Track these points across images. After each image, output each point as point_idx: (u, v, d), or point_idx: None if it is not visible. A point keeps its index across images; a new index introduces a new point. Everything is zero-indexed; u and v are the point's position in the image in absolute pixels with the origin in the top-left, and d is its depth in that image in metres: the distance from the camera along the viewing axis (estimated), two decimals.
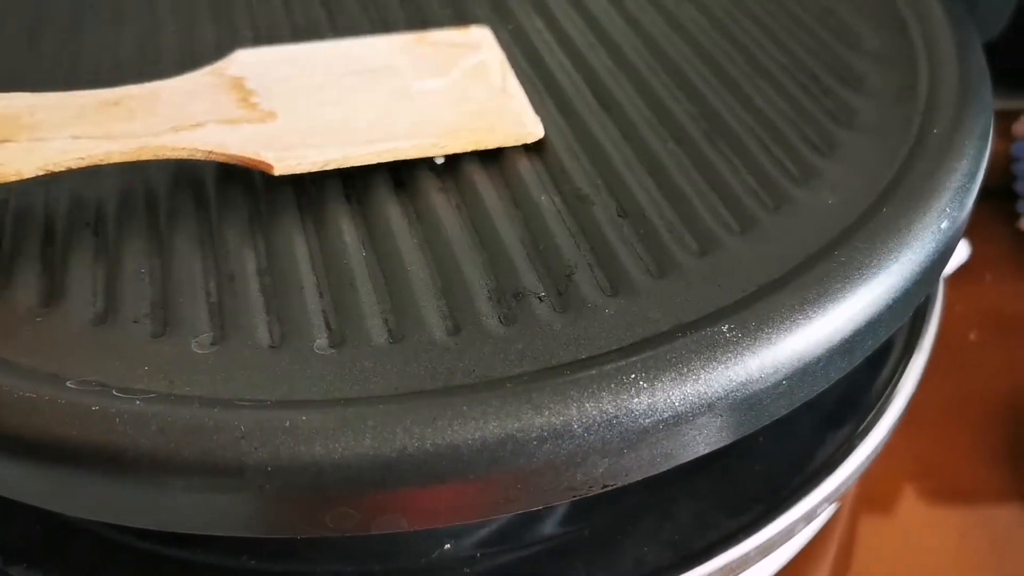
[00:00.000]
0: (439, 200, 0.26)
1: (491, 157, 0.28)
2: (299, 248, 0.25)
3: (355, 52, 0.30)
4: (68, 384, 0.21)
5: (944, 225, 0.25)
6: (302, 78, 0.28)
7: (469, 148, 0.27)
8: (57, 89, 0.26)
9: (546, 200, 0.26)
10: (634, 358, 0.21)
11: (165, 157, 0.25)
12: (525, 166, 0.27)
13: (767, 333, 0.22)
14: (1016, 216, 0.44)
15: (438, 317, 0.23)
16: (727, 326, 0.22)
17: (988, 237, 0.42)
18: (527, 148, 0.28)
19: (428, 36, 0.31)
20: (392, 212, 0.26)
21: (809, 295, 0.22)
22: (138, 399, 0.21)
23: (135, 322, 0.23)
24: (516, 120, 0.28)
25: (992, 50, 0.33)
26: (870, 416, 0.29)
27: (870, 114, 0.29)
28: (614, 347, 0.22)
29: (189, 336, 0.23)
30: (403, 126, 0.27)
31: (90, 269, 0.25)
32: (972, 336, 0.40)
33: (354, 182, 0.27)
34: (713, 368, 0.21)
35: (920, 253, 0.24)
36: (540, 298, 0.23)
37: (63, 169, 0.24)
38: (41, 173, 0.24)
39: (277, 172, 0.26)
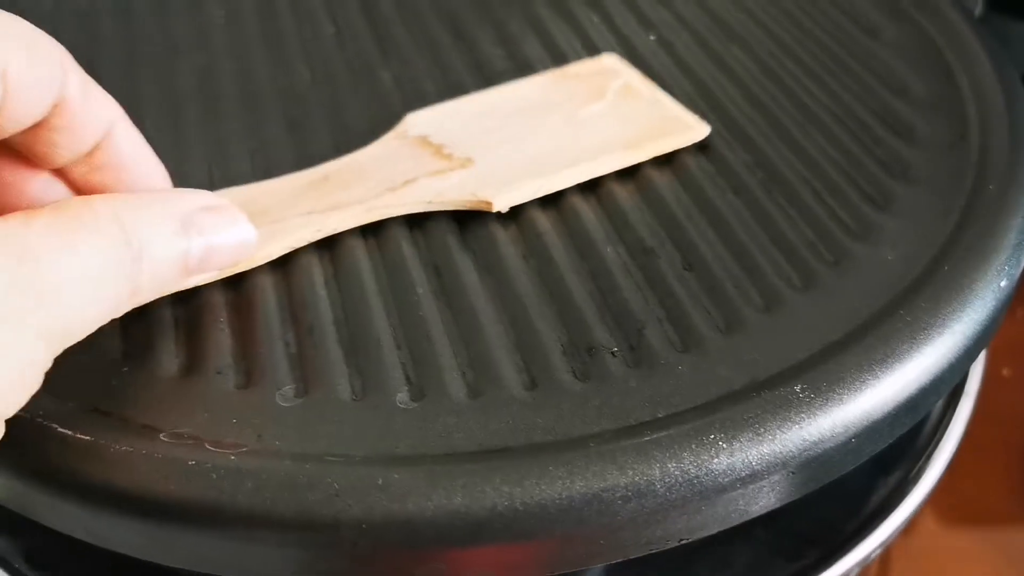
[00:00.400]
0: (507, 252, 0.27)
1: (552, 205, 0.29)
2: (373, 299, 0.26)
3: (511, 95, 0.32)
4: (162, 437, 0.22)
5: (1003, 283, 0.25)
6: (475, 125, 0.30)
7: (652, 155, 0.30)
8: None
9: (611, 252, 0.27)
10: (712, 417, 0.22)
11: (390, 215, 0.27)
12: (589, 217, 0.28)
13: (838, 394, 0.22)
14: None
15: (514, 372, 0.24)
16: (800, 386, 0.22)
17: None
18: (588, 199, 0.29)
19: (567, 70, 0.33)
20: (461, 264, 0.27)
21: (876, 355, 0.23)
22: (231, 453, 0.21)
23: (219, 373, 0.24)
24: (682, 123, 0.30)
25: None
26: (921, 461, 0.29)
27: (923, 166, 0.29)
28: (690, 406, 0.22)
29: (273, 388, 0.23)
30: (588, 148, 0.29)
31: (171, 319, 0.25)
32: (1005, 372, 0.40)
33: (421, 232, 0.28)
34: (788, 428, 0.22)
35: (981, 312, 0.25)
36: (613, 353, 0.24)
37: (304, 244, 0.27)
38: (286, 251, 0.26)
39: (497, 208, 0.28)
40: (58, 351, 0.19)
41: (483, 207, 0.28)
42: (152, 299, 0.22)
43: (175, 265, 0.21)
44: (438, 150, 0.29)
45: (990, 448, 0.39)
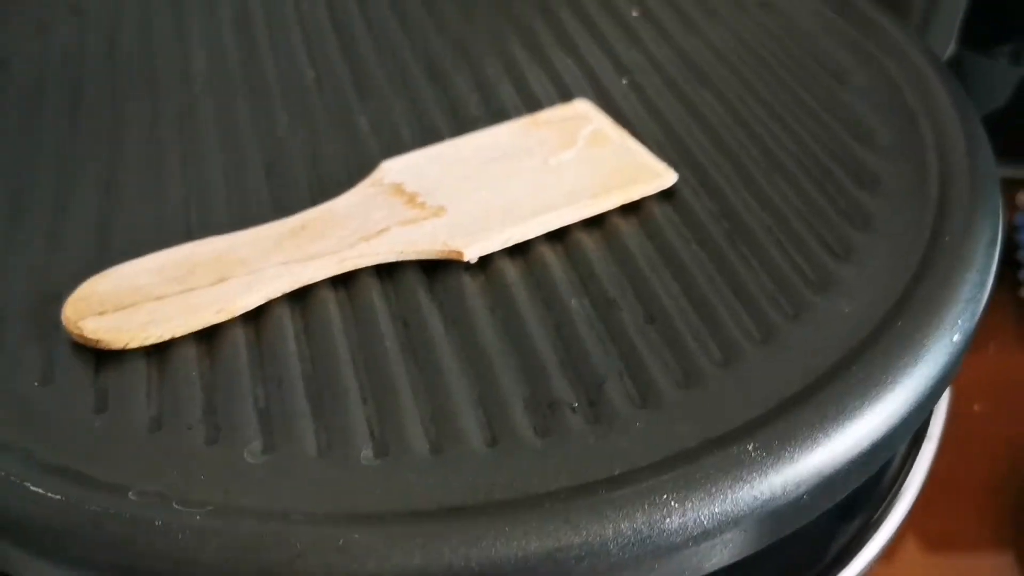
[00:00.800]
0: (474, 303, 0.28)
1: (521, 254, 0.29)
2: (342, 352, 0.26)
3: (485, 142, 0.33)
4: (131, 495, 0.22)
5: (956, 338, 0.26)
6: (450, 173, 0.31)
7: (619, 203, 0.30)
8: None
9: (575, 304, 0.27)
10: (665, 476, 0.23)
11: (363, 265, 0.28)
12: (555, 268, 0.29)
13: (790, 452, 0.23)
14: (1019, 285, 0.45)
15: (476, 427, 0.24)
16: (752, 445, 0.23)
17: (992, 306, 0.44)
18: (555, 247, 0.29)
19: (540, 117, 0.34)
20: (429, 316, 0.27)
21: (828, 413, 0.24)
22: (197, 512, 0.22)
23: (189, 428, 0.24)
24: (650, 171, 0.31)
25: (994, 118, 0.34)
26: (884, 505, 0.30)
27: (883, 216, 0.30)
28: (645, 463, 0.23)
29: (241, 444, 0.24)
30: (558, 196, 0.30)
31: (144, 371, 0.26)
32: (976, 407, 0.41)
33: (391, 284, 0.28)
34: (740, 488, 0.22)
35: (934, 367, 0.25)
36: (573, 408, 0.25)
37: (280, 295, 0.27)
38: (263, 302, 0.27)
39: (467, 258, 0.28)
40: None
41: (454, 256, 0.28)
42: None
43: None
44: (412, 198, 0.30)
45: (963, 484, 0.40)
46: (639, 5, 0.40)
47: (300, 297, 0.28)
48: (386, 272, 0.29)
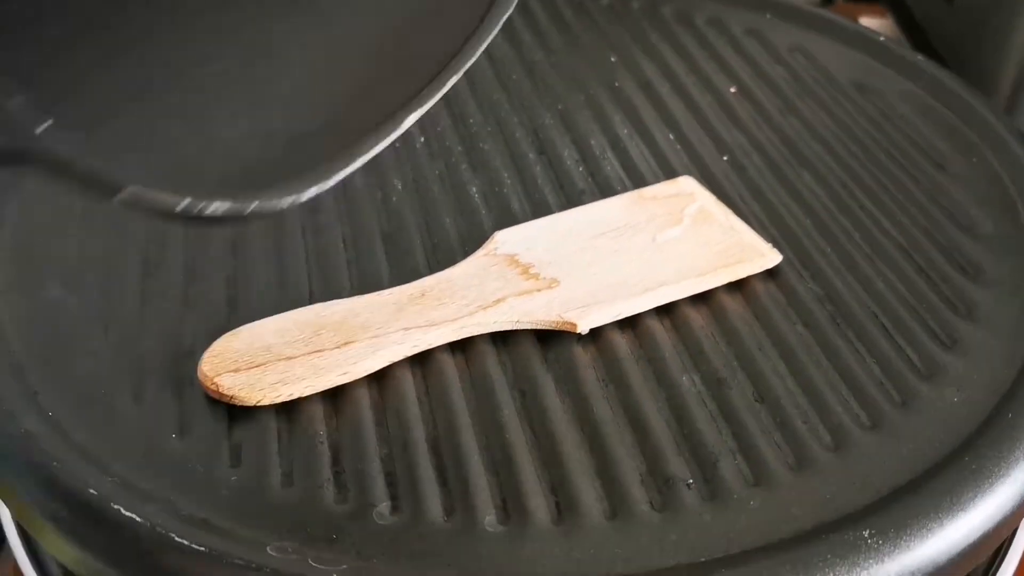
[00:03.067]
0: (586, 375, 0.29)
1: (630, 327, 0.30)
2: (462, 418, 0.27)
3: (594, 216, 0.34)
4: (268, 550, 0.24)
5: None
6: (562, 246, 0.32)
7: (724, 281, 0.31)
8: None
9: (687, 380, 0.28)
10: (782, 557, 0.23)
11: (480, 332, 0.29)
12: (665, 344, 0.30)
13: (905, 540, 0.24)
14: None
15: (595, 500, 0.25)
16: (868, 531, 0.24)
17: None
18: (663, 322, 0.30)
19: (646, 192, 0.35)
20: (544, 386, 0.28)
21: (943, 503, 0.24)
22: (334, 571, 0.23)
23: (320, 487, 0.26)
24: (755, 251, 0.32)
25: None
26: None
27: (988, 306, 0.30)
28: (761, 544, 0.24)
29: (370, 505, 0.25)
30: (667, 273, 0.31)
31: (275, 430, 0.27)
32: None
33: (505, 351, 0.29)
34: (856, 573, 0.23)
35: None
36: (688, 485, 0.25)
37: (402, 358, 0.28)
38: (385, 365, 0.28)
39: (580, 330, 0.29)
40: None
41: (567, 328, 0.29)
42: None
43: None
44: (526, 270, 0.31)
45: None
46: (736, 83, 0.42)
47: (420, 360, 0.29)
48: (500, 339, 0.30)
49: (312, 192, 0.21)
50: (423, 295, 0.30)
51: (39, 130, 0.19)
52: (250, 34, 0.22)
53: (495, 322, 0.29)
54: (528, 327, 0.30)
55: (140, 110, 0.21)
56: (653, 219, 0.33)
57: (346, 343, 0.29)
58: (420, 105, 0.23)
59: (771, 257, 0.32)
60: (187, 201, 0.20)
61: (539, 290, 0.30)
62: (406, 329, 0.29)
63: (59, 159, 0.19)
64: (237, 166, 0.20)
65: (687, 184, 0.35)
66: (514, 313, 0.30)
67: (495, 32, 0.24)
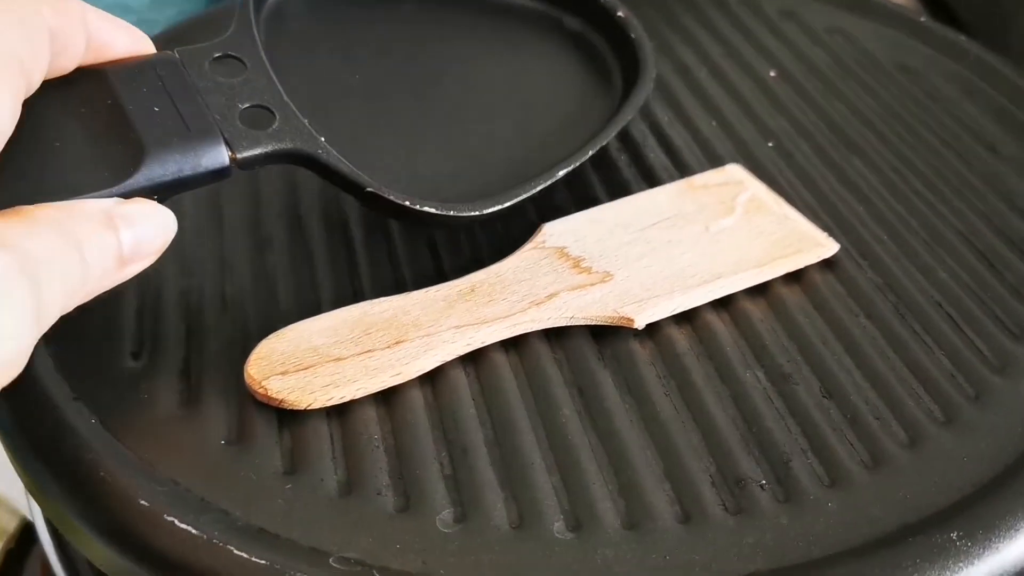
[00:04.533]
0: (647, 372, 0.28)
1: (686, 321, 0.29)
2: (521, 420, 0.26)
3: (642, 207, 0.33)
4: (331, 562, 0.23)
5: None
6: (612, 238, 0.31)
7: (782, 272, 0.30)
8: None
9: (750, 377, 0.27)
10: (869, 561, 0.22)
11: (534, 329, 0.28)
12: (725, 338, 0.29)
13: (994, 542, 0.23)
14: None
15: (666, 503, 0.24)
16: (956, 534, 0.23)
17: None
18: (721, 316, 0.29)
19: (695, 181, 0.34)
20: (603, 384, 0.27)
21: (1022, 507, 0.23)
22: None
23: (378, 494, 0.25)
24: (812, 240, 0.31)
25: None
26: None
27: None
28: (844, 547, 0.23)
29: (432, 512, 0.24)
30: (723, 264, 0.30)
31: (327, 433, 0.26)
32: None
33: (560, 349, 0.28)
34: None
35: None
36: (762, 487, 0.25)
37: (454, 357, 0.28)
38: (438, 365, 0.27)
39: (637, 325, 0.28)
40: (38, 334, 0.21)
41: (624, 323, 0.29)
42: (98, 292, 0.23)
43: (111, 258, 0.23)
44: (577, 263, 0.30)
45: None
46: (776, 67, 0.41)
47: (472, 359, 0.28)
48: (554, 336, 0.29)
49: (492, 209, 0.29)
50: (473, 291, 0.29)
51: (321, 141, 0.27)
52: (453, 110, 0.32)
53: (548, 319, 0.28)
54: (582, 323, 0.29)
55: (379, 145, 0.31)
56: (704, 208, 0.32)
57: (397, 342, 0.28)
58: (569, 166, 0.31)
59: (829, 246, 0.31)
60: (407, 201, 0.28)
61: (592, 284, 0.29)
62: (457, 327, 0.28)
63: (329, 162, 0.27)
64: (434, 191, 0.30)
65: (735, 172, 0.34)
66: (568, 309, 0.29)
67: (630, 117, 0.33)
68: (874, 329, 0.29)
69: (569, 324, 0.29)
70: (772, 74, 0.40)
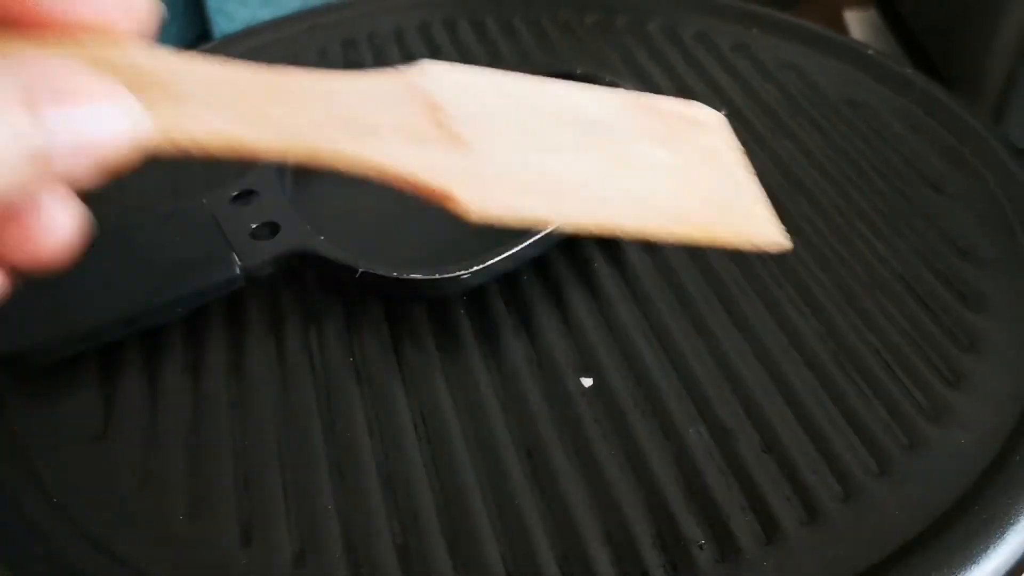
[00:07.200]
0: (592, 433, 0.28)
1: (631, 375, 0.30)
2: (472, 492, 0.27)
3: (569, 98, 0.25)
4: None
5: None
6: (503, 111, 0.23)
7: (696, 240, 0.23)
8: None
9: (694, 433, 0.28)
10: None
11: (328, 164, 0.20)
12: (672, 391, 0.29)
13: None
14: None
15: (608, 566, 0.25)
16: None
17: None
18: (668, 373, 0.30)
19: (655, 101, 0.26)
20: (552, 444, 0.28)
21: (955, 559, 0.24)
22: None
23: (332, 564, 0.25)
24: (754, 220, 0.24)
25: None
26: None
27: (992, 336, 0.30)
28: None
29: None
30: (621, 195, 0.23)
31: (282, 506, 0.27)
32: None
33: (515, 415, 0.29)
34: None
35: None
36: (701, 547, 0.25)
37: (189, 141, 0.19)
38: (161, 136, 0.19)
39: (473, 216, 0.21)
40: None
41: (450, 206, 0.21)
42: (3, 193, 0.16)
43: (15, 150, 0.16)
44: (434, 114, 0.22)
45: None
46: (726, 106, 0.41)
47: (419, 411, 0.29)
48: (508, 391, 0.30)
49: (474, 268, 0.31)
50: (282, 89, 0.21)
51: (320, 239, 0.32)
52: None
53: (353, 156, 0.20)
54: (394, 183, 0.21)
55: (370, 234, 0.35)
56: (638, 129, 0.24)
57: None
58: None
59: (771, 238, 0.24)
60: (395, 273, 0.31)
61: (436, 144, 0.21)
62: (222, 109, 0.19)
63: (327, 254, 0.32)
64: (421, 260, 0.32)
65: (708, 115, 0.26)
66: (386, 156, 0.21)
67: None
68: (814, 379, 0.30)
69: (373, 175, 0.21)
70: (723, 112, 0.41)
